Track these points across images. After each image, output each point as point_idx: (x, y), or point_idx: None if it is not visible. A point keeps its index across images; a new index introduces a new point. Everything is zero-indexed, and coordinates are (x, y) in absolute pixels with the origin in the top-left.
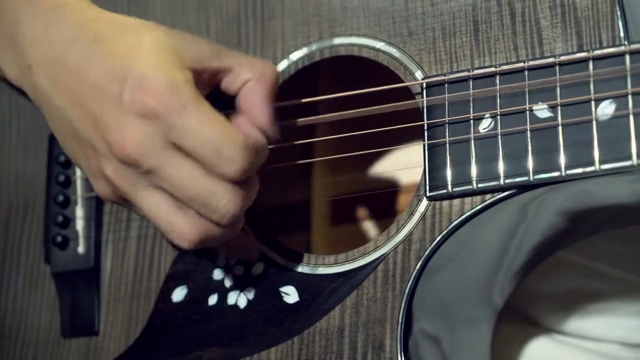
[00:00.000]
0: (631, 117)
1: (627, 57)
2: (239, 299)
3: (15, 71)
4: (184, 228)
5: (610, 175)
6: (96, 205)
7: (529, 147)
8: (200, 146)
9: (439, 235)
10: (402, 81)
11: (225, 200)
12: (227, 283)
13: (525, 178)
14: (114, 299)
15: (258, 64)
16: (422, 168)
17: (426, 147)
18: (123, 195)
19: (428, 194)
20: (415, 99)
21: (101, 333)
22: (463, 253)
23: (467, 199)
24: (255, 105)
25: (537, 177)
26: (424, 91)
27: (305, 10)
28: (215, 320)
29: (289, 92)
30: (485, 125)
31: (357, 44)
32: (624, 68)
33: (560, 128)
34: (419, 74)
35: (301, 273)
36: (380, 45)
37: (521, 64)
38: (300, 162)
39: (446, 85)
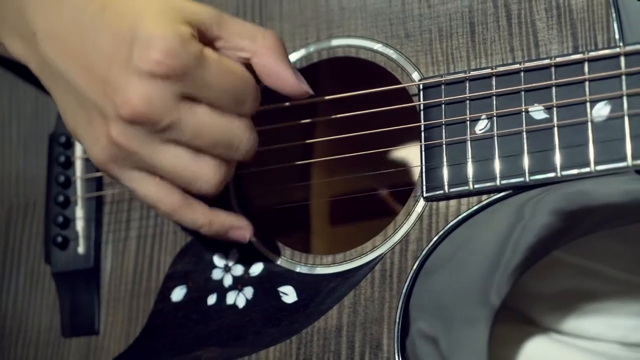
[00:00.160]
0: (626, 119)
1: (622, 59)
2: (238, 298)
3: (18, 43)
4: (209, 173)
5: (605, 176)
6: (96, 206)
7: (525, 148)
8: (221, 94)
9: (435, 236)
10: (400, 82)
11: (247, 136)
12: (226, 283)
13: (521, 179)
14: (113, 298)
15: (258, 35)
16: (419, 169)
17: (423, 148)
18: (129, 159)
19: (425, 195)
20: (412, 100)
21: (101, 333)
22: (460, 253)
23: (464, 200)
24: (276, 75)
25: (532, 178)
26: (421, 92)
27: (303, 11)
28: (215, 320)
29: None
30: (481, 126)
31: (355, 45)
32: (619, 70)
33: (555, 129)
34: (416, 75)
35: (299, 273)
36: (377, 46)
37: (517, 66)
38: (300, 162)
39: (443, 87)
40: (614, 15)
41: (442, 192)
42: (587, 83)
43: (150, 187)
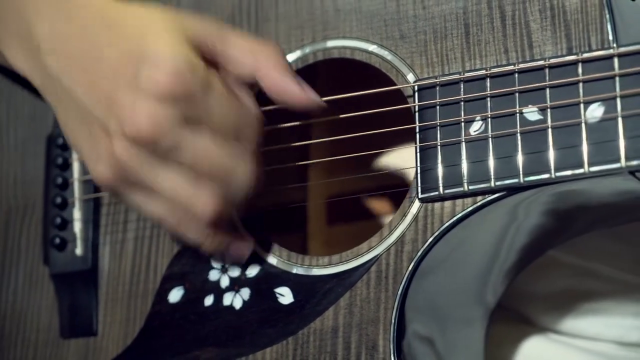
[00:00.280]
0: (620, 120)
1: (616, 60)
2: (235, 299)
3: (21, 56)
4: (206, 200)
5: (599, 177)
6: (94, 207)
7: (519, 149)
8: (224, 121)
9: (431, 237)
10: (395, 84)
11: (243, 169)
12: (223, 284)
13: (516, 180)
14: (111, 299)
15: (260, 49)
16: (415, 170)
17: (418, 150)
18: (129, 178)
19: (420, 196)
20: (407, 101)
21: (99, 333)
22: (455, 254)
23: (459, 201)
24: (283, 90)
25: (527, 179)
26: (416, 94)
27: (299, 13)
28: (212, 320)
29: None
30: (476, 127)
31: (350, 46)
32: (613, 71)
33: (549, 130)
34: (410, 77)
35: (296, 274)
36: (372, 48)
37: (511, 67)
38: (297, 163)
39: (437, 88)
40: (607, 16)
41: (437, 193)
42: (581, 84)
43: (152, 205)
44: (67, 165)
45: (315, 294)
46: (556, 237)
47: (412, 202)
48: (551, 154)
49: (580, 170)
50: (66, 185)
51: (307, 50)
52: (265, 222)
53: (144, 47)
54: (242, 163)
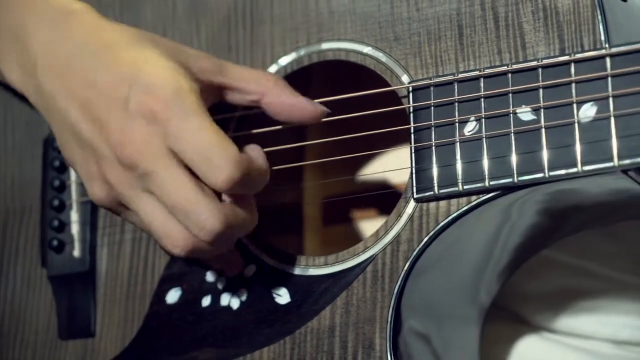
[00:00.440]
0: (612, 119)
1: (608, 60)
2: (232, 300)
3: (17, 72)
4: (177, 235)
5: (592, 176)
6: (91, 209)
7: (513, 149)
8: (192, 152)
9: (426, 236)
10: (389, 85)
11: (205, 215)
12: (220, 285)
13: (510, 179)
14: (109, 301)
15: (262, 76)
16: (410, 170)
17: (413, 150)
18: (119, 199)
19: (415, 196)
20: (402, 102)
21: (97, 334)
22: (450, 253)
23: (454, 200)
24: (295, 107)
25: (521, 178)
26: (410, 95)
27: (294, 15)
28: (209, 321)
29: None
30: (470, 128)
31: (345, 48)
32: (605, 71)
33: (543, 130)
34: (405, 78)
35: (292, 274)
36: (367, 49)
37: (505, 68)
38: (293, 165)
39: (432, 89)
40: (599, 17)
41: (432, 193)
42: (573, 84)
43: (144, 226)
44: (64, 168)
45: (312, 294)
46: (550, 236)
47: (408, 202)
48: (545, 154)
49: (574, 170)
50: (63, 187)
51: (302, 52)
52: (261, 223)
53: (137, 72)
54: (205, 212)
